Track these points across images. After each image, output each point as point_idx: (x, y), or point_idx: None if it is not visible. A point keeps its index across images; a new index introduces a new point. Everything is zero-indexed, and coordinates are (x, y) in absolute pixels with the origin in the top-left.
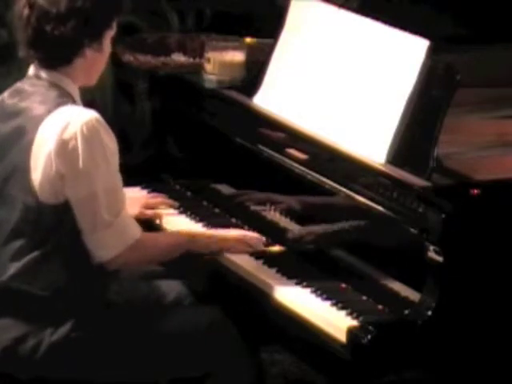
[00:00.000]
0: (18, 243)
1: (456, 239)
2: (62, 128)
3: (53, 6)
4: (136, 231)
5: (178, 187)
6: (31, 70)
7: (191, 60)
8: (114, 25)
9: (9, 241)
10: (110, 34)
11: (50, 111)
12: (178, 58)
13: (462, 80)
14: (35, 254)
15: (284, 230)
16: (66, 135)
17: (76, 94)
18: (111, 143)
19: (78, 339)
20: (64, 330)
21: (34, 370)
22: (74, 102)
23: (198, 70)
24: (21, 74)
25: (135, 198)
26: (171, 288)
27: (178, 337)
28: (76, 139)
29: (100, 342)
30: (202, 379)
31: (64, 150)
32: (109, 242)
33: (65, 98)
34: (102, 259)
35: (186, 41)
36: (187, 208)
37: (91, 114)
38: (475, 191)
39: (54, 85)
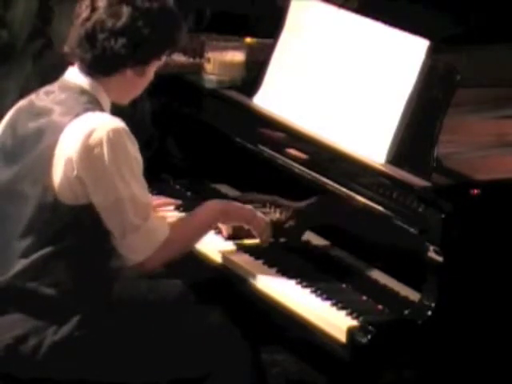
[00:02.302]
0: (27, 240)
1: (456, 239)
2: (87, 133)
3: (112, 19)
4: (165, 230)
5: (177, 187)
6: (67, 73)
7: (191, 60)
8: (164, 57)
9: (18, 237)
10: (157, 63)
11: (77, 115)
12: (178, 58)
13: (462, 80)
14: (43, 252)
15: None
16: (92, 141)
17: (106, 104)
18: (135, 152)
19: (80, 339)
20: (66, 329)
21: (36, 369)
22: (102, 110)
23: (198, 70)
24: (21, 75)
25: None
26: (172, 288)
27: (179, 337)
28: (101, 146)
29: (101, 342)
30: (202, 379)
31: (88, 155)
32: (139, 246)
33: (94, 105)
34: (136, 261)
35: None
36: (187, 208)
37: (118, 123)
38: (475, 191)
39: (85, 92)
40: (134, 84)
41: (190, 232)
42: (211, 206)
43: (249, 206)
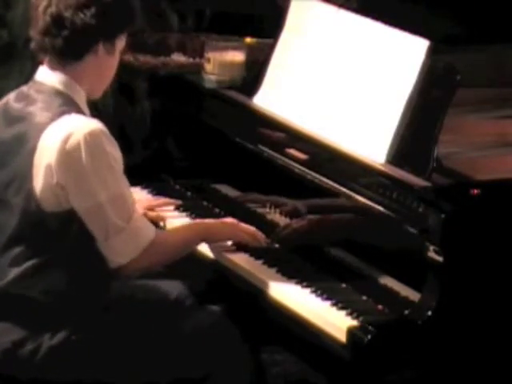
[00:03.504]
0: (17, 249)
1: (456, 239)
2: (64, 138)
3: None
4: (150, 233)
5: (177, 187)
6: (38, 73)
7: (191, 60)
8: (126, 34)
9: (9, 246)
10: (122, 41)
11: (53, 119)
12: (178, 58)
13: (462, 80)
14: (35, 259)
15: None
16: (69, 146)
17: (82, 101)
18: (114, 151)
19: (78, 342)
20: (63, 333)
21: (34, 372)
22: (78, 110)
23: (198, 70)
24: (21, 75)
25: (137, 201)
26: (171, 288)
27: (179, 337)
28: (79, 150)
29: (100, 344)
30: (202, 380)
31: (67, 161)
32: (124, 248)
33: (69, 106)
34: (119, 264)
35: (185, 41)
36: (187, 208)
37: (94, 124)
38: (475, 191)
39: (59, 92)
40: (106, 65)
41: (174, 242)
42: (194, 223)
43: (230, 221)
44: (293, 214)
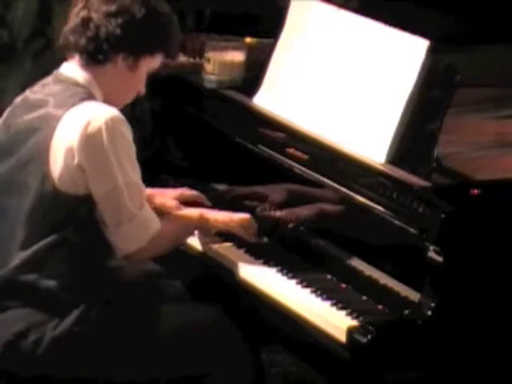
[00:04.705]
0: (26, 232)
1: (456, 239)
2: (86, 122)
3: (108, 2)
4: (157, 222)
5: (178, 187)
6: (62, 67)
7: (191, 60)
8: (157, 58)
9: (17, 230)
10: (150, 62)
11: (73, 105)
12: (178, 58)
13: (462, 80)
14: (43, 242)
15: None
16: (91, 130)
17: (99, 98)
18: (131, 139)
19: (80, 334)
20: (66, 323)
21: (36, 365)
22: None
23: (198, 70)
24: (21, 75)
25: (168, 192)
26: (171, 288)
27: (178, 336)
28: (101, 134)
29: (100, 339)
30: (202, 379)
31: (89, 144)
32: (134, 235)
33: (89, 95)
34: (128, 251)
35: (186, 41)
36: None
37: (115, 111)
38: (475, 191)
39: (80, 85)
40: (126, 79)
41: (174, 231)
42: (190, 211)
43: (223, 212)
44: (293, 213)
